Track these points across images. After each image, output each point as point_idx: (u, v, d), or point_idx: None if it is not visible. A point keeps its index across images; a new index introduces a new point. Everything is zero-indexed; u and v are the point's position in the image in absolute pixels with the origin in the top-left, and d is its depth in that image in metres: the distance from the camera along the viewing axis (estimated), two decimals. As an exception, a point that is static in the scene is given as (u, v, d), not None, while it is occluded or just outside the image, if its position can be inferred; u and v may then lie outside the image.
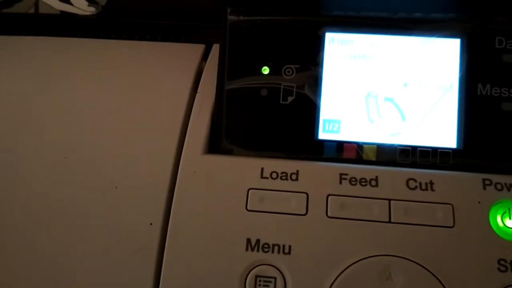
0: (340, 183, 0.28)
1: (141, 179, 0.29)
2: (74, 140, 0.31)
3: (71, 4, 0.41)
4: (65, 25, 0.39)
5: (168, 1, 0.42)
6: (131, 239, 0.28)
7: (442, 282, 0.26)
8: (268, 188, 0.28)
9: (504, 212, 0.27)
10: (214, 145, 0.31)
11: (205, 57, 0.36)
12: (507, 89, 0.30)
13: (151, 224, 0.28)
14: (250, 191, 0.28)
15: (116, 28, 0.39)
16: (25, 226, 0.29)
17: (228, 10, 0.32)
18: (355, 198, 0.28)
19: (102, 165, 0.30)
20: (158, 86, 0.33)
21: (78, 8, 0.41)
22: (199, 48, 0.36)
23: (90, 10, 0.41)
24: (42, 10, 0.41)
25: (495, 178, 0.28)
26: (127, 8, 0.42)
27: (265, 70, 0.31)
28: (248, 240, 0.27)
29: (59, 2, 0.41)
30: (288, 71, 0.31)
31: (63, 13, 0.41)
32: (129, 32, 0.39)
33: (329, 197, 0.28)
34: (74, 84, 0.34)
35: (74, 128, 0.32)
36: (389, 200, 0.28)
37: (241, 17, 0.32)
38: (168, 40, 0.38)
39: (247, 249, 0.27)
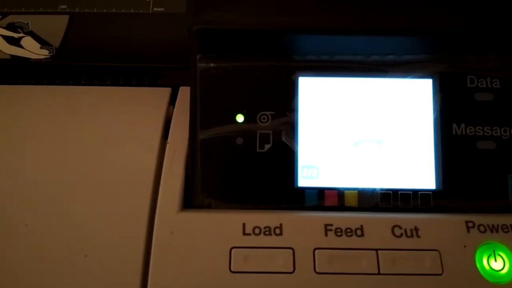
0: (326, 234, 0.28)
1: (113, 245, 0.27)
2: (34, 204, 0.28)
3: (22, 47, 0.38)
4: (17, 71, 0.37)
5: (126, 42, 0.39)
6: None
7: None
8: (251, 245, 0.27)
9: (490, 255, 0.27)
10: (190, 200, 0.29)
11: (172, 101, 0.34)
12: (481, 128, 0.30)
13: (127, 294, 0.26)
14: (233, 250, 0.27)
15: (73, 72, 0.36)
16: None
17: (198, 57, 0.30)
18: (342, 251, 0.27)
19: (67, 232, 0.28)
20: (124, 137, 0.31)
21: (30, 51, 0.38)
22: (165, 92, 0.34)
23: (43, 53, 0.38)
24: (-11, 54, 0.38)
25: (477, 219, 0.28)
26: (84, 50, 0.39)
27: (240, 118, 0.30)
28: (235, 305, 0.26)
29: (8, 45, 0.38)
30: (264, 118, 0.30)
31: (14, 57, 0.38)
32: (88, 76, 0.36)
33: (316, 251, 0.27)
34: (31, 140, 0.31)
35: (33, 190, 0.29)
36: (377, 250, 0.27)
37: (211, 64, 0.30)
38: (131, 84, 0.36)
39: (234, 315, 0.26)
